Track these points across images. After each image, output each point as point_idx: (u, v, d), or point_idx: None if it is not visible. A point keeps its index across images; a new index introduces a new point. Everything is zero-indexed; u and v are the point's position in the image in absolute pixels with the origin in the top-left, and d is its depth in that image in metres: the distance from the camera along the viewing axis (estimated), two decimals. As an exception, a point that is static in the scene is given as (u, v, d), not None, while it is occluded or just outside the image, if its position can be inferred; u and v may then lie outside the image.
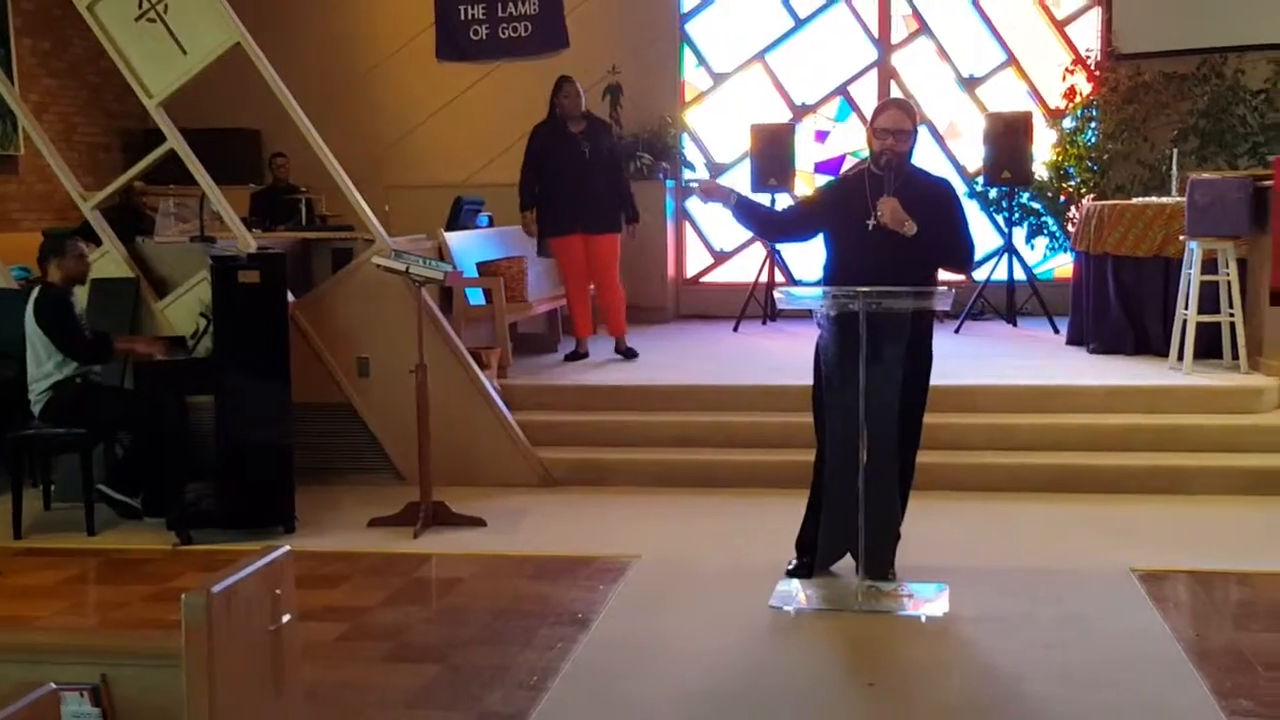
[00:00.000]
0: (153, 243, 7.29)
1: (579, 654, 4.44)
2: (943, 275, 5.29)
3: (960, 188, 10.87)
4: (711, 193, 5.19)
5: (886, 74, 11.11)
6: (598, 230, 8.24)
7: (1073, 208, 10.22)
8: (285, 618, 2.59)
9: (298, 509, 6.15)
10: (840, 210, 5.02)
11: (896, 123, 4.94)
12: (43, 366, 6.16)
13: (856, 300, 4.66)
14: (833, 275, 5.01)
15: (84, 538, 6.09)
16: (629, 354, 8.32)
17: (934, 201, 4.98)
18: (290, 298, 6.59)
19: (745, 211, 5.20)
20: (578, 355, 8.31)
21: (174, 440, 6.26)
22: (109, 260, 7.00)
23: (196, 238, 7.18)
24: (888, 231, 4.84)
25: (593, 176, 8.17)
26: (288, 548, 2.68)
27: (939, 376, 7.31)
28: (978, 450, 6.73)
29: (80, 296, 6.45)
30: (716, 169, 11.36)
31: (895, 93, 11.06)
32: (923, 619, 4.69)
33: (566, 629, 4.68)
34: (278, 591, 2.56)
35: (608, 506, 6.48)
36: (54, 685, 2.01)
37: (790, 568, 5.19)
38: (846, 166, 10.98)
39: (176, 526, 6.00)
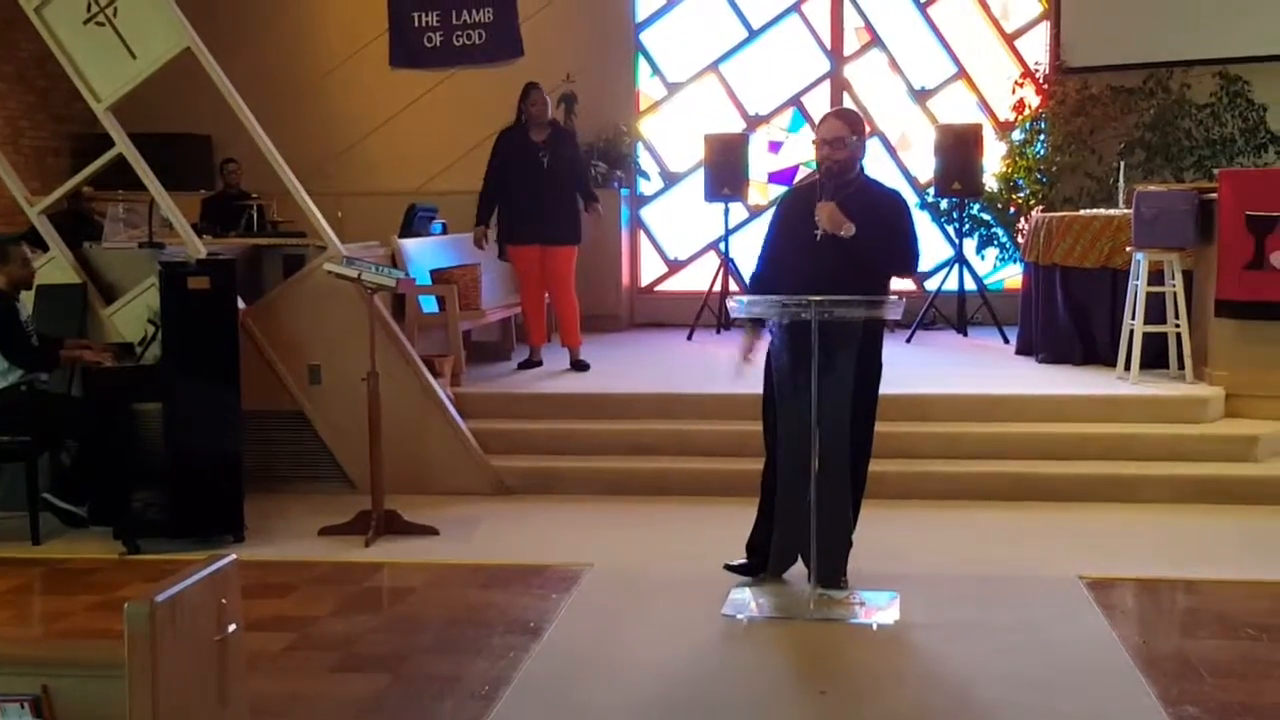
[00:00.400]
0: (101, 248, 7.21)
1: (531, 663, 4.42)
2: (895, 284, 5.34)
3: (912, 198, 11.00)
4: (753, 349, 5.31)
5: (839, 85, 11.18)
6: (554, 242, 8.20)
7: (1022, 219, 10.33)
8: (231, 627, 2.56)
9: (247, 518, 6.09)
10: (791, 220, 5.10)
11: (834, 132, 5.05)
12: (-13, 373, 6.07)
13: (808, 309, 4.69)
14: (781, 283, 5.01)
15: (29, 547, 5.99)
16: (581, 366, 8.28)
17: (881, 209, 5.04)
18: (241, 304, 6.53)
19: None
20: (531, 364, 8.29)
21: (121, 448, 6.17)
22: (56, 266, 6.91)
23: (145, 243, 7.10)
24: (835, 240, 4.90)
25: (552, 187, 8.12)
26: (233, 556, 2.65)
27: (891, 385, 7.35)
28: (929, 459, 6.77)
29: (26, 302, 6.36)
30: (670, 178, 11.38)
31: (848, 104, 11.13)
32: (874, 627, 4.71)
33: (518, 638, 4.67)
34: (223, 601, 2.53)
35: (561, 515, 6.46)
36: (-6, 695, 1.98)
37: (733, 563, 5.23)
38: (800, 177, 11.06)
39: (123, 535, 5.93)
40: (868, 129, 10.72)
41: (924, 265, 10.99)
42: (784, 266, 5.10)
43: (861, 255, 4.92)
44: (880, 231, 4.95)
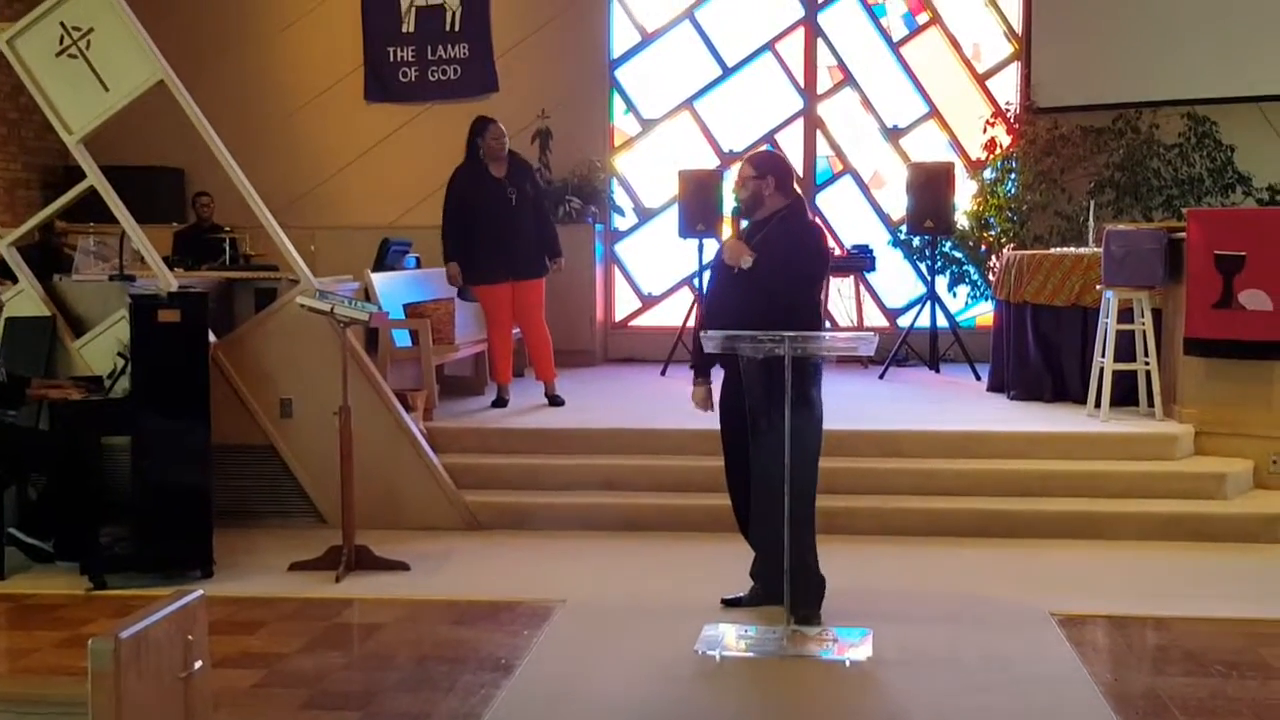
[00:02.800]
0: (71, 281, 7.16)
1: (502, 700, 4.38)
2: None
3: (884, 236, 11.09)
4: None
5: (812, 123, 11.27)
6: (525, 276, 8.14)
7: (993, 257, 10.40)
8: (197, 664, 2.53)
9: (216, 553, 6.03)
10: (719, 258, 5.36)
11: (740, 174, 5.34)
12: (-47, 407, 6.01)
13: (782, 344, 4.71)
14: (712, 317, 5.24)
15: (-6, 582, 5.92)
16: (557, 401, 8.24)
17: (783, 243, 5.19)
18: (212, 337, 6.50)
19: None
20: (501, 402, 8.21)
21: (89, 482, 6.10)
22: (25, 298, 6.85)
23: (116, 276, 7.06)
24: (747, 274, 5.10)
25: (521, 222, 8.04)
26: (200, 592, 2.62)
27: (864, 421, 7.43)
28: (901, 494, 6.78)
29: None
30: (644, 213, 11.42)
31: (821, 142, 11.22)
32: (847, 664, 4.70)
33: (489, 675, 4.63)
34: (190, 637, 2.50)
35: (533, 550, 6.43)
36: (-46, 734, 1.95)
37: (730, 596, 5.32)
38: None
39: (90, 571, 5.85)
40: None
41: (898, 302, 11.11)
42: (714, 301, 5.36)
43: (764, 286, 5.10)
44: (776, 263, 5.12)
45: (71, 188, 7.02)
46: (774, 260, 5.11)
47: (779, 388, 4.85)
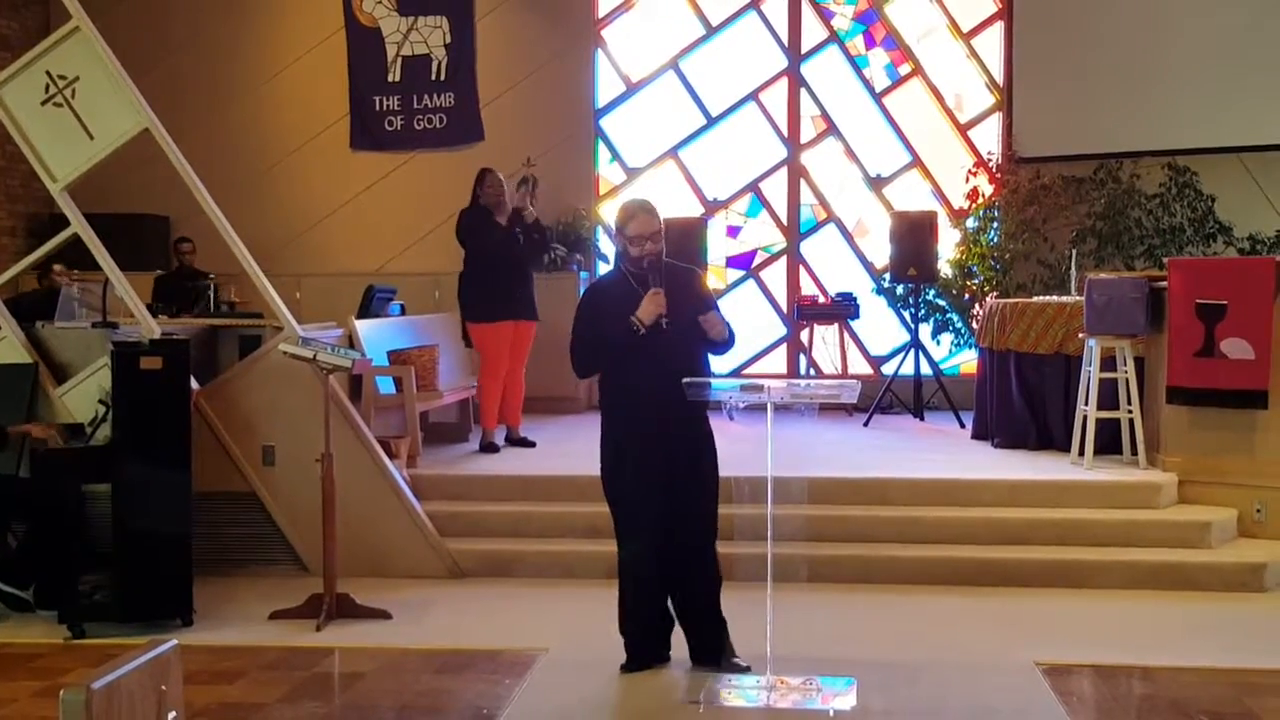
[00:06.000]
0: (53, 327, 7.14)
1: (483, 751, 4.35)
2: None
3: (868, 284, 11.14)
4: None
5: (796, 172, 11.34)
6: (527, 317, 8.38)
7: (977, 305, 10.45)
8: (171, 715, 2.50)
9: (197, 601, 5.99)
10: (614, 319, 5.00)
11: (655, 226, 5.10)
12: (-67, 453, 5.97)
13: (764, 392, 4.72)
14: (623, 381, 5.03)
15: (-29, 631, 5.87)
16: (527, 442, 8.38)
17: (691, 286, 5.16)
18: (195, 384, 6.48)
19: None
20: (494, 447, 8.23)
21: (70, 530, 6.06)
22: (7, 345, 6.83)
23: (99, 323, 7.04)
24: (678, 324, 4.94)
25: (522, 265, 8.32)
26: (174, 641, 2.59)
27: (848, 469, 7.44)
28: (886, 542, 6.77)
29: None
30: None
31: (804, 189, 11.29)
32: (831, 713, 4.67)
33: (470, 725, 4.59)
34: (163, 688, 2.47)
35: (516, 598, 6.40)
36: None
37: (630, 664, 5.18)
38: (758, 259, 11.16)
39: (69, 619, 5.80)
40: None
41: (882, 349, 11.15)
42: (624, 359, 5.01)
43: (698, 338, 5.01)
44: (703, 309, 5.04)
45: (56, 235, 7.01)
46: (709, 297, 5.17)
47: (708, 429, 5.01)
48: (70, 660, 5.42)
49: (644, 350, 4.95)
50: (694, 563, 5.06)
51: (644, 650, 5.16)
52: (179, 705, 2.54)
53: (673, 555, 5.04)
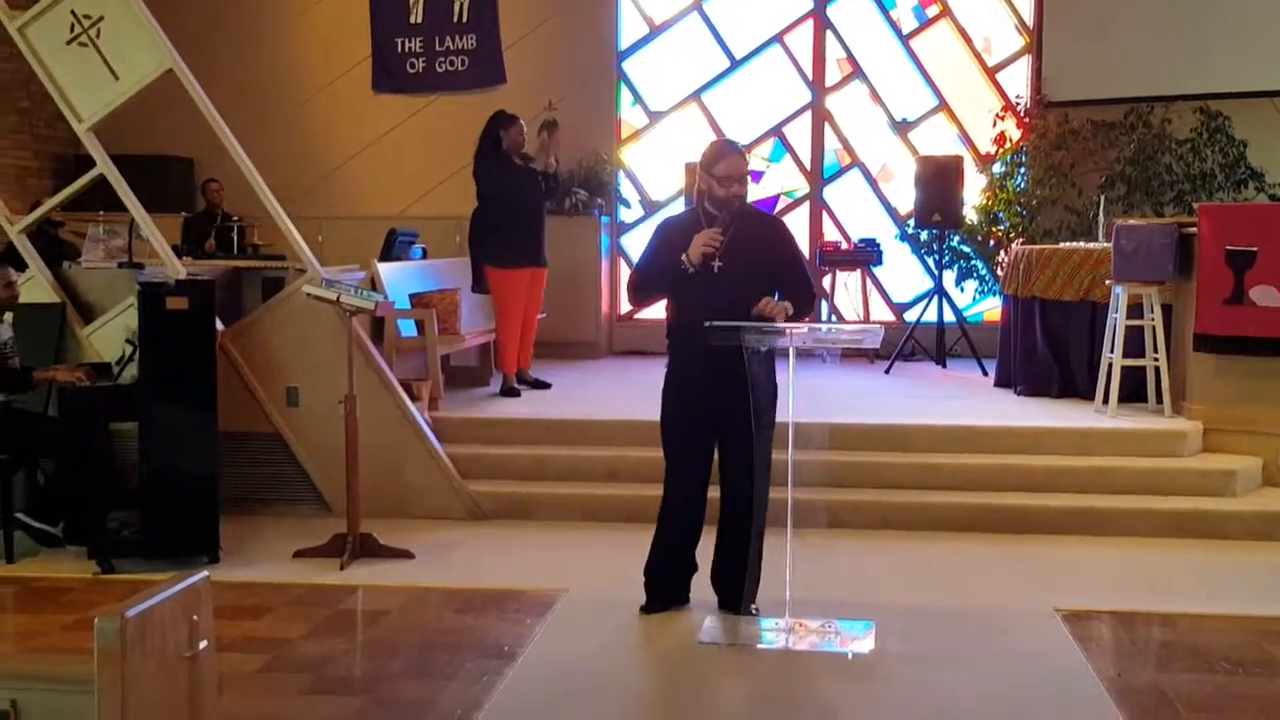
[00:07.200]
0: (80, 268, 7.18)
1: (505, 688, 4.39)
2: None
3: (892, 230, 11.08)
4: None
5: (820, 116, 11.25)
6: (543, 263, 8.41)
7: (1002, 251, 10.38)
8: (202, 644, 2.54)
9: (223, 539, 6.05)
10: (675, 254, 4.98)
11: (743, 168, 5.06)
12: (-37, 392, 6.04)
13: (786, 336, 4.71)
14: (680, 321, 5.00)
15: (2, 565, 5.94)
16: (541, 384, 8.45)
17: (769, 237, 5.11)
18: (220, 326, 6.51)
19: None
20: (515, 391, 8.25)
21: (97, 467, 6.13)
22: (35, 285, 6.87)
23: (125, 263, 7.07)
24: (733, 272, 4.89)
25: (542, 211, 8.36)
26: (206, 573, 2.63)
27: (870, 415, 7.44)
28: (907, 489, 6.77)
29: (7, 322, 6.33)
30: (651, 206, 11.42)
31: (829, 134, 11.21)
32: (850, 656, 4.70)
33: (493, 663, 4.64)
34: (195, 617, 2.51)
35: (537, 540, 6.44)
36: (-41, 710, 1.96)
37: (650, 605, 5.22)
38: (779, 205, 11.11)
39: (98, 555, 5.88)
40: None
41: (905, 296, 11.11)
42: (685, 295, 4.99)
43: (763, 286, 4.91)
44: (780, 259, 5.03)
45: (81, 176, 7.03)
46: (790, 253, 5.09)
47: (771, 378, 4.88)
48: (99, 595, 5.49)
49: (696, 291, 4.92)
50: (733, 511, 5.03)
51: (664, 591, 5.19)
52: (210, 635, 2.58)
53: (722, 500, 5.06)
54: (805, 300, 5.03)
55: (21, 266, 6.93)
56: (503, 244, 8.19)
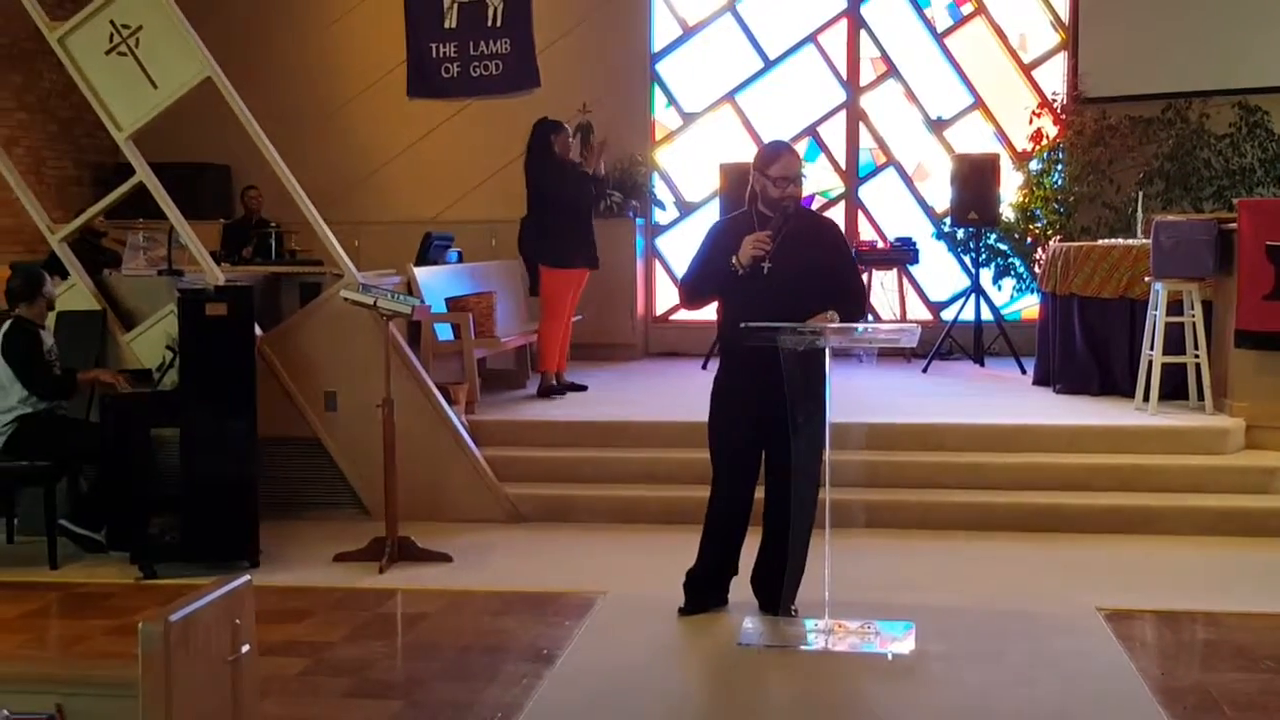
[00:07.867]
0: (120, 275, 7.25)
1: (544, 690, 4.40)
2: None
3: (928, 228, 11.03)
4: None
5: (855, 115, 11.21)
6: (593, 265, 8.54)
7: (1039, 249, 10.31)
8: (245, 648, 2.55)
9: (263, 543, 6.10)
10: (727, 256, 4.98)
11: (796, 169, 5.05)
12: (8, 399, 6.11)
13: (821, 336, 4.70)
14: (731, 322, 4.95)
15: (46, 571, 6.01)
16: (576, 386, 8.50)
17: (821, 239, 5.06)
18: (258, 331, 6.56)
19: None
20: (558, 391, 8.30)
21: (139, 473, 6.18)
22: (76, 293, 6.95)
23: (164, 271, 7.14)
24: (783, 273, 4.86)
25: (590, 215, 8.54)
26: (248, 577, 2.65)
27: (908, 415, 7.41)
28: (946, 489, 6.74)
29: (49, 329, 6.41)
30: (685, 207, 11.42)
31: (864, 134, 11.17)
32: (889, 656, 4.68)
33: (531, 665, 4.65)
34: (237, 621, 2.53)
35: (574, 542, 6.45)
36: (8, 713, 1.98)
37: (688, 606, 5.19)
38: (816, 204, 11.07)
39: (140, 560, 5.94)
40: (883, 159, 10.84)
41: (942, 295, 11.05)
42: (735, 297, 5.01)
43: (815, 289, 4.87)
44: (830, 263, 4.98)
45: (121, 184, 7.10)
46: (841, 256, 5.07)
47: (815, 380, 4.79)
48: (142, 599, 5.55)
49: (745, 293, 4.90)
50: (779, 514, 4.96)
51: (703, 593, 5.18)
52: (252, 639, 2.59)
53: (767, 503, 5.04)
54: (854, 308, 5.00)
55: (64, 274, 7.01)
56: (561, 245, 8.32)
